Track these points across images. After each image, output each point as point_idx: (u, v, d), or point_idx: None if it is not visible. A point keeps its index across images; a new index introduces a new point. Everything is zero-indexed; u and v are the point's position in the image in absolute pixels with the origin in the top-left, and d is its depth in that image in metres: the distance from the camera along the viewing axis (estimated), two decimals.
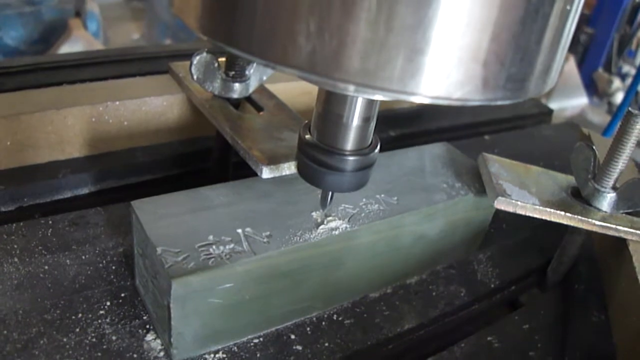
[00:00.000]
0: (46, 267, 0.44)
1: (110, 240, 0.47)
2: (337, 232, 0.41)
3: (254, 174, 0.45)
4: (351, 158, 0.35)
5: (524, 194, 0.49)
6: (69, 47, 1.66)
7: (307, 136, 0.35)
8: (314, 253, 0.40)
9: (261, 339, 0.42)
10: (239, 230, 0.39)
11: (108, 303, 0.42)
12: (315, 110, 0.35)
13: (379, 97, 0.30)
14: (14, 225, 0.47)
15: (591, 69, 2.56)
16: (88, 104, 0.50)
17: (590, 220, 0.48)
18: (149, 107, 0.53)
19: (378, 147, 0.36)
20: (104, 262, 0.45)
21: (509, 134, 0.78)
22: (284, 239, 0.39)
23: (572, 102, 0.84)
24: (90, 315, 0.41)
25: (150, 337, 0.40)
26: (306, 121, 0.37)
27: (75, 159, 0.52)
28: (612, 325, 0.48)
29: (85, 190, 0.52)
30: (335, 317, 0.45)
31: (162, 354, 0.39)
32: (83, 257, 0.45)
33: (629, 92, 0.92)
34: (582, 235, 0.52)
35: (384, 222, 0.43)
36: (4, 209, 0.49)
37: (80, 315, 0.41)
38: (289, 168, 0.44)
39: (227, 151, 0.55)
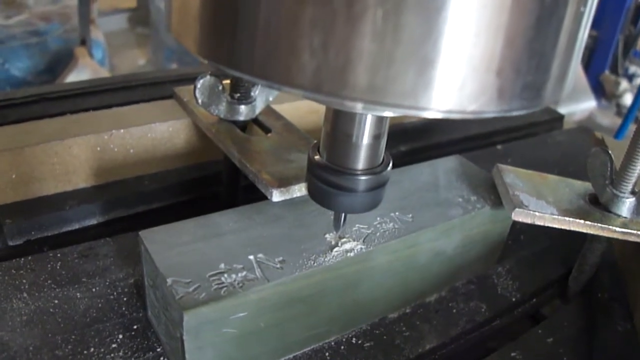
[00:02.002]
0: (56, 302, 0.43)
1: (120, 271, 0.46)
2: (352, 254, 0.40)
3: (264, 197, 0.44)
4: (363, 178, 0.34)
5: (541, 204, 0.47)
6: (76, 75, 1.66)
7: (317, 157, 0.34)
8: (329, 277, 0.39)
9: None
10: (251, 257, 0.38)
11: (120, 336, 0.41)
12: (323, 129, 0.34)
13: (388, 113, 0.29)
14: (22, 259, 0.46)
15: (598, 72, 2.54)
16: (93, 133, 0.49)
17: (610, 227, 0.46)
18: (155, 133, 0.52)
19: (390, 164, 0.35)
20: (115, 294, 0.44)
21: (521, 142, 0.77)
22: (297, 263, 0.38)
23: (581, 106, 0.82)
24: (102, 350, 0.40)
25: None
26: (315, 141, 0.36)
27: (82, 190, 0.51)
28: (639, 334, 0.46)
29: (93, 221, 0.51)
30: (354, 340, 0.44)
31: None
32: (93, 290, 0.44)
33: (639, 92, 0.90)
34: (602, 243, 0.50)
35: (399, 241, 0.42)
36: (12, 243, 0.48)
37: (92, 349, 0.40)
38: (299, 190, 0.43)
39: (236, 175, 0.54)
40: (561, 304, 0.53)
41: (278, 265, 0.37)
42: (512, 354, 0.45)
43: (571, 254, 0.54)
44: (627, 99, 2.38)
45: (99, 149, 0.50)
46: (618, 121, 0.92)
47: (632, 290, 0.50)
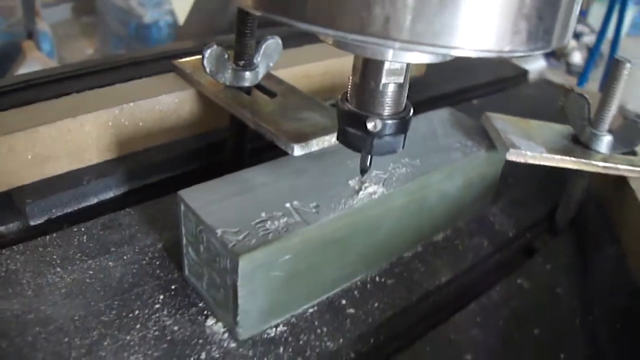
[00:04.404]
0: (90, 272, 0.44)
1: (147, 238, 0.48)
2: (376, 196, 0.43)
3: (269, 158, 0.46)
4: (390, 122, 0.37)
5: (531, 145, 0.52)
6: (26, 70, 1.62)
7: (348, 106, 0.37)
8: (357, 218, 0.42)
9: (316, 308, 0.44)
10: (288, 205, 0.40)
11: (161, 297, 0.43)
12: (351, 81, 0.37)
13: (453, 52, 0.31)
14: (48, 237, 0.47)
15: None
16: (103, 108, 0.50)
17: (593, 162, 0.51)
18: (162, 105, 0.54)
19: (412, 111, 0.38)
20: (147, 259, 0.46)
21: (493, 97, 0.82)
22: (330, 207, 0.41)
23: (531, 67, 0.88)
24: (147, 311, 0.42)
25: (210, 322, 0.42)
26: (343, 93, 0.39)
27: (96, 165, 0.52)
28: (627, 254, 0.52)
29: (110, 194, 0.52)
30: (377, 279, 0.48)
31: (225, 335, 0.41)
32: (124, 258, 0.46)
33: (597, 43, 0.96)
34: (584, 179, 0.55)
35: (414, 183, 0.46)
36: (33, 223, 0.49)
37: (137, 312, 0.42)
38: (317, 144, 0.46)
39: (242, 140, 0.56)
40: (550, 238, 0.58)
41: (313, 210, 0.40)
42: (519, 281, 0.50)
43: (556, 193, 0.59)
44: (576, 57, 2.50)
45: (110, 123, 0.51)
46: (569, 79, 0.98)
47: (616, 219, 0.56)
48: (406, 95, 0.38)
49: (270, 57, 0.55)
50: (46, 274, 0.43)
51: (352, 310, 0.44)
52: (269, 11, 0.28)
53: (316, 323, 0.43)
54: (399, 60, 0.34)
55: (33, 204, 0.48)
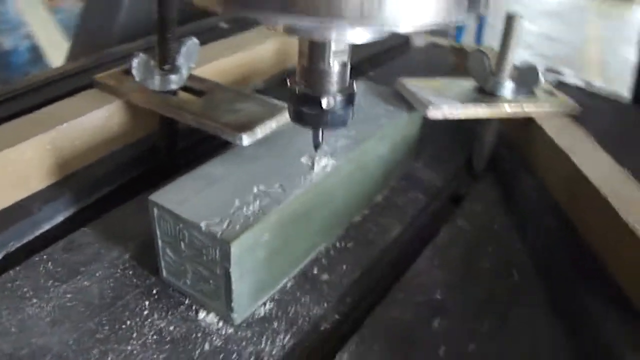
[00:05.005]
0: (69, 296, 0.44)
1: (112, 251, 0.48)
2: (328, 168, 0.47)
3: (203, 155, 0.49)
4: (340, 97, 0.41)
5: (446, 101, 0.58)
6: None
7: (300, 88, 0.41)
8: (317, 191, 0.46)
9: (293, 280, 0.47)
10: (255, 190, 0.43)
11: (146, 302, 0.44)
12: (299, 65, 0.40)
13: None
14: (11, 271, 0.46)
15: None
16: (40, 133, 0.49)
17: (501, 107, 0.59)
18: (94, 121, 0.54)
19: (355, 85, 0.43)
20: (119, 271, 0.47)
21: (387, 66, 0.88)
22: (293, 184, 0.44)
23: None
24: (138, 319, 0.43)
25: (202, 314, 0.44)
26: (289, 78, 0.42)
27: (42, 191, 0.51)
28: (545, 181, 0.60)
29: (61, 218, 0.52)
30: (338, 244, 0.52)
31: (220, 324, 0.43)
32: (97, 275, 0.46)
33: None
34: (494, 124, 0.63)
35: (355, 151, 0.50)
36: None
37: (128, 322, 0.42)
38: (261, 131, 0.49)
39: (174, 141, 0.58)
40: (474, 182, 0.65)
41: (280, 190, 0.44)
42: (459, 224, 0.57)
43: (468, 142, 0.67)
44: None
45: (48, 147, 0.50)
46: (430, 39, 1.08)
47: (528, 154, 0.64)
48: (349, 73, 0.42)
49: (191, 58, 0.56)
50: (24, 308, 0.43)
51: (325, 277, 0.48)
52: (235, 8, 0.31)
53: (298, 294, 0.46)
54: (345, 40, 0.38)
55: None
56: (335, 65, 0.40)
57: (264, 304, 0.45)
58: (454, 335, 0.44)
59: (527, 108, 0.60)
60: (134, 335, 0.42)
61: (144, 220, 0.51)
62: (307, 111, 0.41)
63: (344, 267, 0.49)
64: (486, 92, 0.61)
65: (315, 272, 0.49)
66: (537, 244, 0.54)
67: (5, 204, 0.49)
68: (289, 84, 0.42)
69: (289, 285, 0.47)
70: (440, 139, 0.69)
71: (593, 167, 0.53)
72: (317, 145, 0.45)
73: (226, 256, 0.39)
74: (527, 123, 0.63)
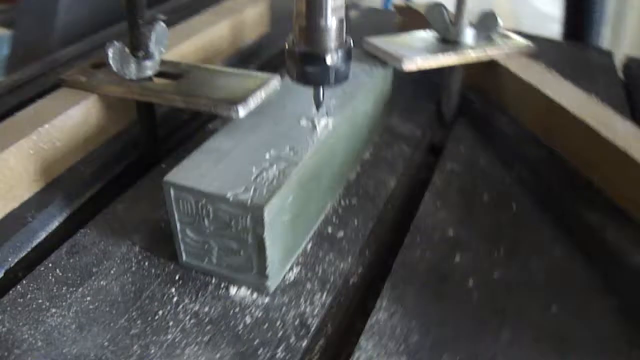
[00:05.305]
0: (89, 299, 0.42)
1: (119, 247, 0.46)
2: (330, 127, 0.47)
3: (183, 141, 0.50)
4: (342, 52, 0.41)
5: (417, 53, 0.60)
6: None
7: (301, 48, 0.41)
8: (324, 150, 0.46)
9: (312, 241, 0.48)
10: (267, 155, 0.43)
11: (172, 289, 0.43)
12: (296, 26, 0.40)
13: None
14: (19, 286, 0.43)
15: None
16: (22, 138, 0.46)
17: (467, 54, 0.61)
18: (73, 119, 0.51)
19: (351, 41, 0.43)
20: (134, 264, 0.45)
21: None
22: (302, 146, 0.44)
23: None
24: (169, 307, 0.41)
25: (233, 290, 0.43)
26: (287, 42, 0.42)
27: (31, 199, 0.48)
28: (520, 117, 0.63)
29: (56, 223, 0.49)
30: (342, 202, 0.52)
31: (255, 295, 0.42)
32: (112, 272, 0.44)
33: None
34: (459, 71, 0.65)
35: (349, 109, 0.51)
36: None
37: (160, 312, 0.41)
38: (253, 101, 0.49)
39: (153, 130, 0.56)
40: (449, 129, 0.67)
41: (291, 153, 0.43)
42: (449, 167, 0.59)
43: (432, 92, 0.69)
44: None
45: (31, 151, 0.47)
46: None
47: (497, 95, 0.67)
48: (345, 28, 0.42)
49: (161, 42, 0.54)
50: (44, 320, 0.40)
51: (341, 233, 0.49)
52: None
53: (320, 254, 0.46)
54: None
55: None
56: (334, 21, 0.40)
57: (291, 268, 0.45)
58: (477, 266, 0.46)
59: (490, 51, 0.63)
60: (170, 323, 0.40)
61: (143, 210, 0.50)
62: (312, 70, 0.41)
63: (356, 221, 0.50)
64: (448, 42, 0.63)
65: (330, 231, 0.49)
66: (524, 175, 0.57)
67: None
68: (286, 46, 0.42)
69: (309, 246, 0.47)
70: (407, 93, 0.71)
71: (566, 97, 0.57)
72: (318, 105, 0.45)
73: (259, 222, 0.38)
74: (490, 66, 0.65)
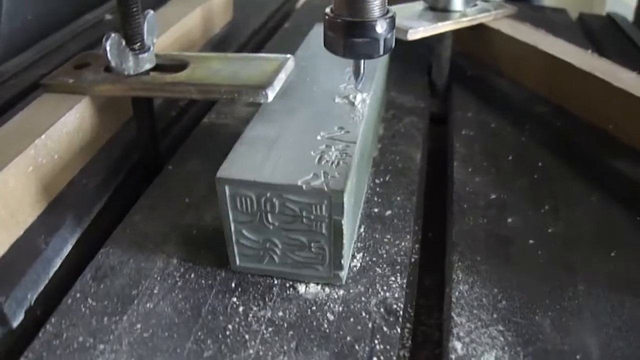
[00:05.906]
0: (138, 326, 0.36)
1: (155, 263, 0.41)
2: (367, 101, 0.44)
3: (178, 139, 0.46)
4: (389, 20, 0.38)
5: (418, 23, 0.58)
6: None
7: (348, 19, 0.37)
8: (366, 126, 0.43)
9: (363, 226, 0.45)
10: (319, 137, 0.39)
11: (234, 299, 0.38)
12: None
13: None
14: (48, 326, 0.36)
15: None
16: (19, 154, 0.39)
17: (460, 20, 0.60)
18: (68, 127, 0.44)
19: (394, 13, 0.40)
20: (177, 279, 0.40)
21: (288, 29, 0.86)
22: (350, 124, 0.41)
23: None
24: (237, 319, 0.36)
25: (302, 288, 0.39)
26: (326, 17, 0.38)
27: (36, 223, 0.42)
28: (519, 78, 0.63)
29: (69, 246, 0.43)
30: (376, 181, 0.50)
31: (327, 289, 0.39)
32: (155, 292, 0.39)
33: None
34: (449, 39, 0.64)
35: (373, 83, 0.48)
36: (17, 323, 0.38)
37: (230, 326, 0.36)
38: (278, 84, 0.45)
39: (153, 123, 0.50)
40: (440, 99, 0.67)
41: (342, 132, 0.40)
42: (463, 132, 0.58)
43: (420, 63, 0.68)
44: None
45: (30, 169, 0.40)
46: None
47: (492, 59, 0.66)
48: None
49: (153, 33, 0.49)
50: (99, 355, 0.35)
51: (389, 212, 0.46)
52: None
53: (376, 235, 0.44)
54: None
55: (9, 299, 0.37)
56: None
57: (353, 255, 0.42)
58: (531, 224, 0.46)
59: (480, 16, 0.63)
60: (247, 336, 0.36)
61: (164, 217, 0.46)
62: (360, 41, 0.38)
63: (398, 198, 0.48)
64: (438, 10, 0.62)
65: (375, 210, 0.47)
66: (537, 133, 0.57)
67: (2, 251, 0.39)
68: (325, 17, 0.38)
69: (361, 230, 0.44)
70: (400, 66, 0.69)
71: (567, 53, 0.57)
72: (358, 76, 0.42)
73: (338, 208, 0.35)
74: (479, 31, 0.65)
